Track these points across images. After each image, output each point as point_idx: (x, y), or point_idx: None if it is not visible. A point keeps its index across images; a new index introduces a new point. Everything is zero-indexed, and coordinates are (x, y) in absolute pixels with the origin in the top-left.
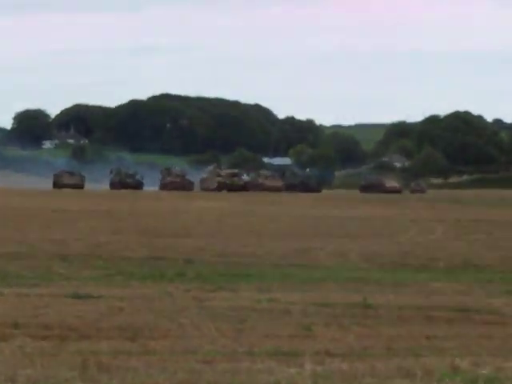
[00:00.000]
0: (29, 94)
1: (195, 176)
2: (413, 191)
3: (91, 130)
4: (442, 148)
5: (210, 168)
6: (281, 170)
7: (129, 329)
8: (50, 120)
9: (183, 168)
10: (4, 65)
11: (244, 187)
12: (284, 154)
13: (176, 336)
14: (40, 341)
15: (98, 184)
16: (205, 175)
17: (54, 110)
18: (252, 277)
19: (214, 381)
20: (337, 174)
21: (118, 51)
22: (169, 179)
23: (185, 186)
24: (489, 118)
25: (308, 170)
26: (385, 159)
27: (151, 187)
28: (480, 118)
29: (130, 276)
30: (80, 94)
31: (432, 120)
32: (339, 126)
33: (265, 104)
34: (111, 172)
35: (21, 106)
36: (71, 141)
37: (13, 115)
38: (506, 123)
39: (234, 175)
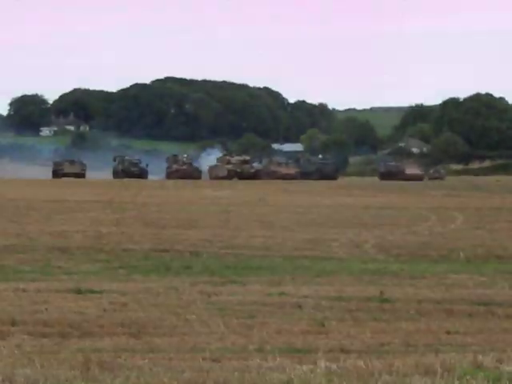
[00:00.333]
0: (26, 77)
1: (200, 163)
2: (431, 178)
3: (92, 116)
4: (461, 132)
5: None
6: (294, 157)
7: (132, 325)
8: (49, 106)
9: (190, 155)
10: None
11: (256, 175)
12: (295, 140)
13: (182, 333)
14: (39, 338)
15: (100, 172)
16: (206, 162)
17: (52, 95)
18: (262, 270)
19: (222, 380)
20: (351, 160)
21: (120, 32)
22: (175, 167)
23: (192, 174)
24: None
25: (320, 156)
26: (401, 144)
27: (156, 176)
28: (502, 100)
29: (133, 269)
30: (80, 77)
31: (451, 103)
32: (353, 110)
33: (274, 87)
34: (114, 160)
35: (17, 91)
36: (71, 127)
37: (9, 101)
38: None
39: (245, 162)
